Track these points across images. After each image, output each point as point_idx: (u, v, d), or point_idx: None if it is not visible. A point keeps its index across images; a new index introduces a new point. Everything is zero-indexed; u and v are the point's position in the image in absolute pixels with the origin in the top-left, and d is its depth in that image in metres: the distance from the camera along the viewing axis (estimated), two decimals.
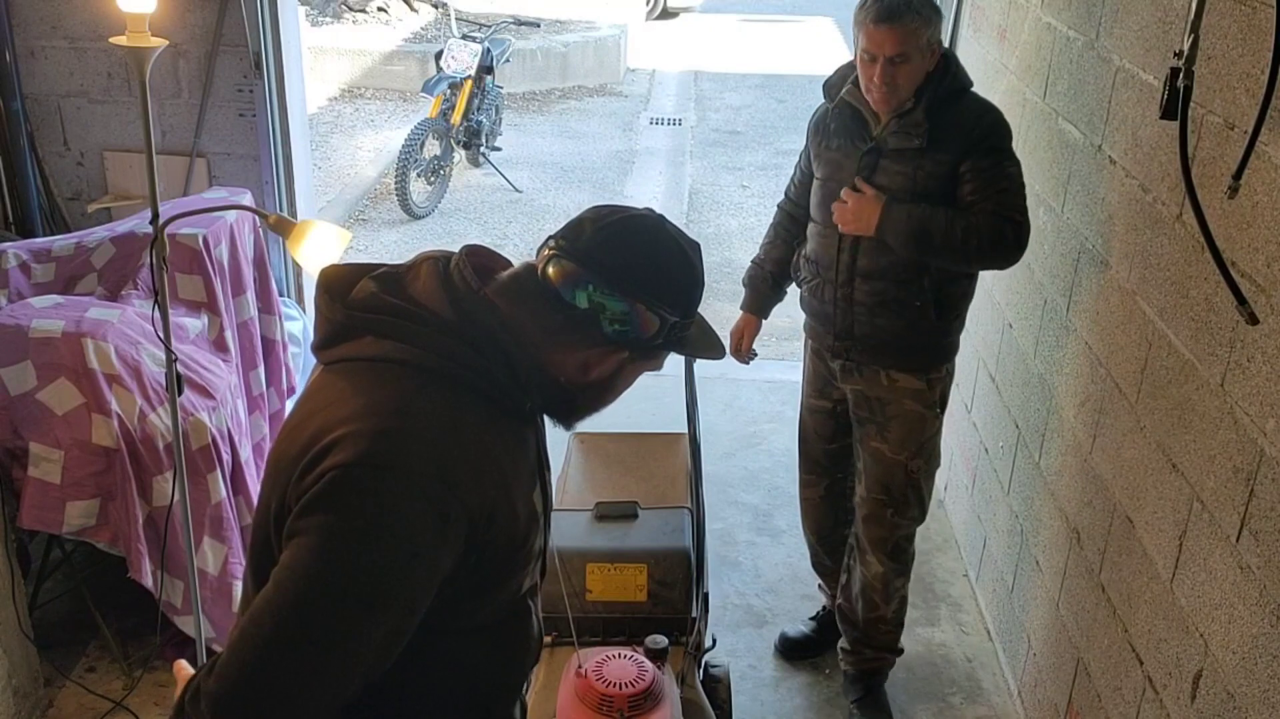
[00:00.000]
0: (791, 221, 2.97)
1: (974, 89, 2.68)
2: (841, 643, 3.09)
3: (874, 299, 2.69)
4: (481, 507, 1.27)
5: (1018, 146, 2.65)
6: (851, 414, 2.89)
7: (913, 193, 2.59)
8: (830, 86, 2.78)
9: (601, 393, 1.43)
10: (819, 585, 3.29)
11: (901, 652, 3.08)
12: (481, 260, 1.41)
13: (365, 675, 1.24)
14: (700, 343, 1.48)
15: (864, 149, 2.65)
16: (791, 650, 3.25)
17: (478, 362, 1.31)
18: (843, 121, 2.70)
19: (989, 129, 2.61)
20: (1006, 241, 2.54)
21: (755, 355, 3.15)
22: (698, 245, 1.43)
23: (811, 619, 3.30)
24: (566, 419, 1.46)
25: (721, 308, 5.14)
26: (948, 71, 2.61)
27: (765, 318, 3.11)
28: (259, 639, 1.18)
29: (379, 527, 1.20)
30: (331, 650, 1.19)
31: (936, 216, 2.55)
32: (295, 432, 1.31)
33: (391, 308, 1.32)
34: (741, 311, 3.10)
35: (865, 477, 2.87)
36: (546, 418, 1.49)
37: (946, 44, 4.08)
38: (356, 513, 1.20)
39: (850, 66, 2.70)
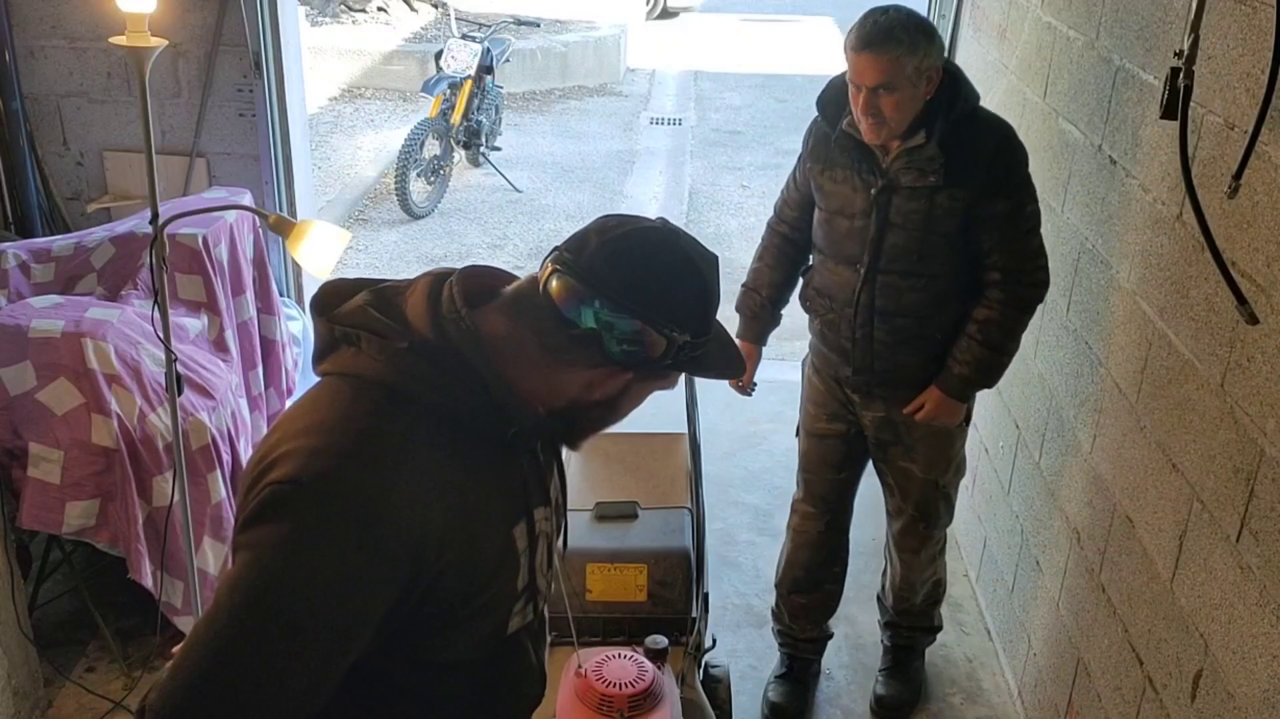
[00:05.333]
0: (788, 245, 2.78)
1: (981, 101, 2.55)
2: (880, 619, 3.15)
3: (894, 337, 2.58)
4: (427, 536, 1.21)
5: None
6: (871, 439, 2.78)
7: (926, 229, 2.48)
8: (826, 104, 2.58)
9: (606, 412, 1.35)
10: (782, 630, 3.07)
11: (939, 628, 3.12)
12: (481, 281, 1.34)
13: (309, 701, 1.21)
14: (715, 361, 1.38)
15: (876, 186, 2.49)
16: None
17: (446, 384, 1.25)
18: (847, 152, 2.52)
19: (1009, 165, 2.47)
20: (1036, 300, 2.56)
21: (756, 386, 2.95)
22: (713, 259, 1.34)
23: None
24: (568, 439, 1.41)
25: (720, 309, 5.11)
26: (957, 95, 2.43)
27: (764, 345, 2.89)
28: (195, 655, 1.17)
29: (304, 546, 1.17)
30: (264, 670, 1.16)
31: (987, 354, 2.54)
32: (261, 445, 1.29)
33: (371, 323, 1.27)
34: (738, 340, 2.81)
35: (897, 490, 2.83)
36: (550, 443, 1.44)
37: (947, 44, 4.10)
38: (283, 531, 1.17)
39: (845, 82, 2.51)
